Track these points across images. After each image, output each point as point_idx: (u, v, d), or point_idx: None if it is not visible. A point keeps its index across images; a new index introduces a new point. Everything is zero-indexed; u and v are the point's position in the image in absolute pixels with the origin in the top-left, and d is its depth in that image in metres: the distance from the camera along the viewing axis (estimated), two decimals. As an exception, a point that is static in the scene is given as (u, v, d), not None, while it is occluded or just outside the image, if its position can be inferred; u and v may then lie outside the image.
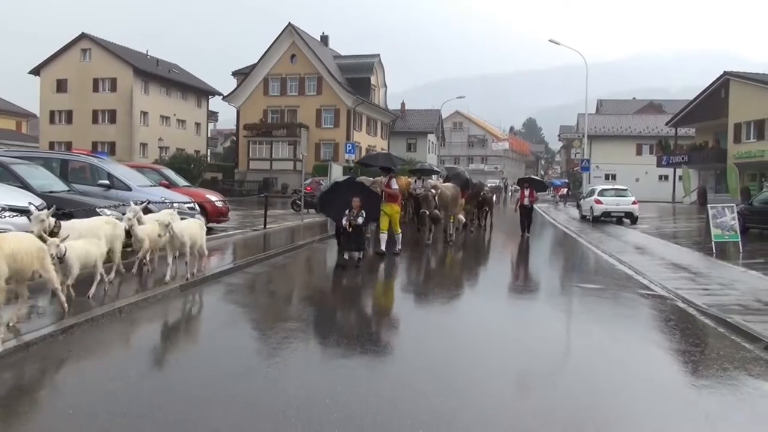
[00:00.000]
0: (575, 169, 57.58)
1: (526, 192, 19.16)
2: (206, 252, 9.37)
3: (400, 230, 13.44)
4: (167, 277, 8.38)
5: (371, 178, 15.82)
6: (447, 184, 16.67)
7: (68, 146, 46.16)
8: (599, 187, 27.67)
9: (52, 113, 52.20)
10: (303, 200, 22.34)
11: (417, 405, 4.57)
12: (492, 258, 15.75)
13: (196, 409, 4.33)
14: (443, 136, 76.35)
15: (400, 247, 13.41)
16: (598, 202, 25.81)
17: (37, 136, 54.53)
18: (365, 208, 11.01)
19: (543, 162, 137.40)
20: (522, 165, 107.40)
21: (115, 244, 8.21)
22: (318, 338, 6.80)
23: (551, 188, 65.29)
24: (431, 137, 68.46)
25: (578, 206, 30.77)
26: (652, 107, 71.98)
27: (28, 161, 12.51)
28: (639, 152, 59.80)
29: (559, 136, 76.74)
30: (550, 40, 36.17)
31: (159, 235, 8.18)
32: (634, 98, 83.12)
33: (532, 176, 21.10)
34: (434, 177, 22.17)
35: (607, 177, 56.30)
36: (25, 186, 10.79)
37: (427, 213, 14.32)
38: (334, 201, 11.50)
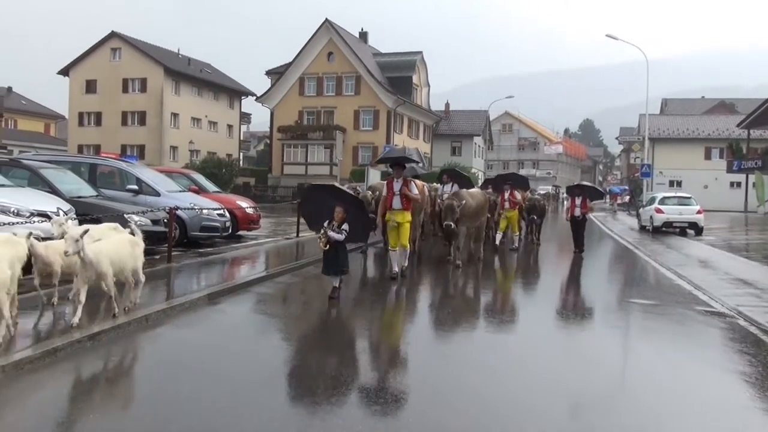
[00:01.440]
0: (636, 175, 56.74)
1: (578, 201, 17.42)
2: (142, 278, 7.53)
3: (408, 245, 11.83)
4: (73, 321, 6.42)
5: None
6: (474, 190, 15.41)
7: (97, 149, 47.73)
8: (660, 195, 27.28)
9: (80, 115, 54.01)
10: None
11: None
12: (535, 275, 14.86)
13: (220, 416, 4.59)
14: (491, 139, 76.11)
15: (406, 264, 11.82)
16: (659, 211, 25.46)
17: (66, 138, 56.53)
18: (350, 223, 8.96)
19: (601, 167, 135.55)
20: (577, 170, 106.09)
21: (15, 267, 6.23)
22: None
23: (608, 196, 64.46)
24: (478, 140, 68.30)
25: (637, 215, 30.41)
26: (723, 107, 70.40)
27: (57, 165, 13.14)
28: (708, 156, 58.45)
29: (617, 139, 75.67)
30: (607, 35, 35.93)
31: (65, 253, 6.30)
32: (702, 97, 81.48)
33: (585, 182, 19.11)
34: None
35: (671, 184, 55.32)
36: (53, 191, 11.37)
37: (451, 225, 12.72)
38: (317, 208, 9.61)
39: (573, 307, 10.65)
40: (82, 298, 6.49)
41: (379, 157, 21.37)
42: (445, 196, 14.50)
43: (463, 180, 17.66)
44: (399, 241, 11.22)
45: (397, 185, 11.21)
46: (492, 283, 13.33)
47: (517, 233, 18.05)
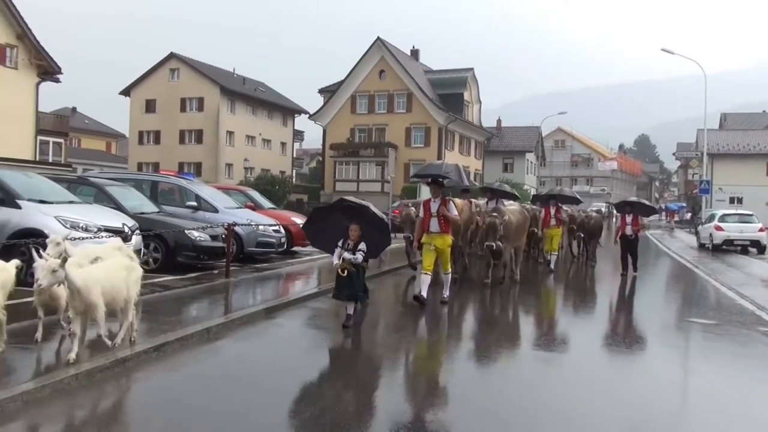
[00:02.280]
0: (694, 191, 55.25)
1: (628, 219, 15.87)
2: (131, 316, 6.36)
3: (450, 270, 10.75)
4: (69, 356, 5.61)
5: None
6: (513, 207, 14.50)
7: (156, 167, 49.13)
8: (720, 212, 26.59)
9: (140, 133, 55.78)
10: (390, 224, 22.78)
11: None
12: (588, 296, 13.89)
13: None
14: (543, 155, 75.34)
15: (448, 293, 10.77)
16: (719, 228, 24.83)
17: (126, 156, 58.41)
18: (366, 239, 8.10)
19: (657, 184, 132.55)
20: (633, 187, 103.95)
21: None
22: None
23: (664, 213, 62.93)
24: (530, 156, 67.75)
25: (696, 233, 29.68)
26: (786, 121, 68.07)
27: (121, 183, 13.66)
28: (770, 172, 56.54)
29: (674, 154, 73.93)
30: (663, 49, 35.27)
31: (38, 286, 5.51)
32: (764, 111, 78.94)
33: (633, 198, 17.71)
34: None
35: (731, 200, 53.66)
36: (118, 207, 11.81)
37: (493, 246, 11.95)
38: (327, 228, 8.46)
39: (628, 327, 10.48)
40: (77, 329, 5.77)
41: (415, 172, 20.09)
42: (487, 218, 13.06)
43: (508, 197, 16.93)
44: (441, 267, 10.44)
45: (434, 206, 10.12)
46: (536, 305, 12.28)
47: (556, 253, 16.69)
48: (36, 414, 4.73)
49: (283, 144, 62.02)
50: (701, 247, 26.84)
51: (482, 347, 8.10)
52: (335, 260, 7.99)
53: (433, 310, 10.14)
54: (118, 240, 7.77)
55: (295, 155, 69.81)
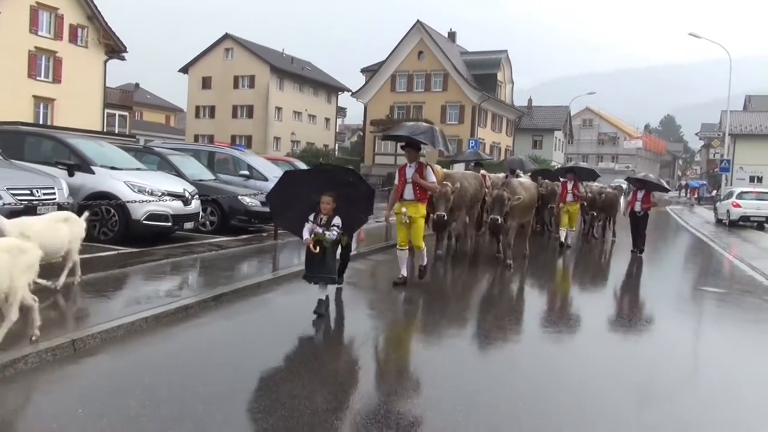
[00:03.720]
0: (715, 170, 53.91)
1: (639, 195, 14.28)
2: (18, 304, 4.59)
3: (422, 245, 8.66)
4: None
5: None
6: (525, 181, 13.09)
7: (210, 139, 49.90)
8: (738, 190, 26.08)
9: (197, 108, 56.60)
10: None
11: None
12: (595, 273, 12.51)
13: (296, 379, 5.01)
14: (571, 133, 74.21)
15: (425, 261, 8.97)
16: (736, 205, 24.38)
17: (183, 129, 59.36)
18: (343, 213, 6.55)
19: (681, 162, 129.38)
20: (657, 165, 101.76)
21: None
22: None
23: (687, 189, 61.64)
24: (558, 134, 66.82)
25: (714, 209, 29.17)
26: (810, 103, 65.66)
27: (182, 153, 14.06)
28: (791, 153, 54.82)
29: (697, 134, 72.02)
30: (690, 34, 34.30)
31: None
32: (788, 94, 76.22)
33: (648, 176, 15.20)
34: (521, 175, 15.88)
35: (752, 179, 52.32)
36: (179, 174, 12.21)
37: (498, 220, 10.26)
38: (294, 201, 6.81)
39: (639, 298, 10.50)
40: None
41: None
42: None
43: (545, 174, 16.13)
44: (413, 242, 8.57)
45: (409, 171, 8.48)
46: (546, 282, 10.91)
47: (575, 229, 15.38)
48: (114, 349, 5.11)
49: (327, 119, 62.27)
50: (719, 222, 26.39)
51: (490, 327, 6.94)
52: (305, 235, 6.44)
53: (435, 286, 9.27)
54: (64, 213, 6.82)
55: (338, 130, 70.00)
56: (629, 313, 8.50)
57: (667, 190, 16.17)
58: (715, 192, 50.89)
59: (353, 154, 64.59)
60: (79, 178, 10.00)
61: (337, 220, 6.47)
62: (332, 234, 6.40)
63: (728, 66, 34.44)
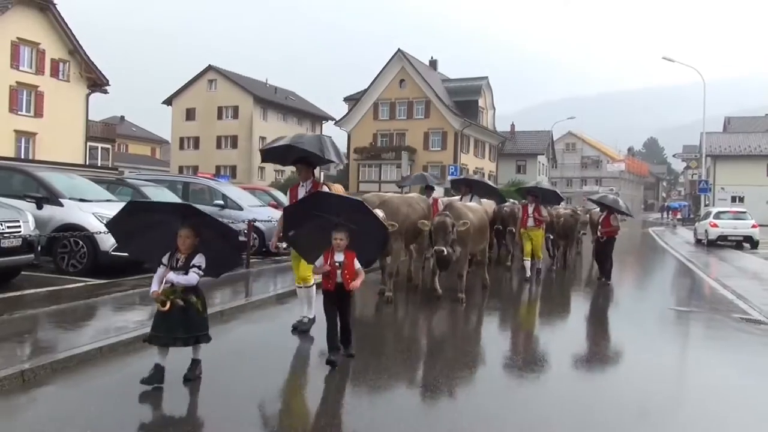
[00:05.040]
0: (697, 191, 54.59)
1: (600, 218, 12.84)
2: None
3: (310, 278, 7.07)
4: None
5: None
6: (473, 205, 11.36)
7: (195, 170, 49.98)
8: (715, 210, 26.43)
9: (181, 139, 56.82)
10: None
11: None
12: (566, 301, 11.27)
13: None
14: (554, 157, 75.02)
15: (308, 315, 7.20)
16: (714, 225, 24.67)
17: (169, 160, 59.45)
18: (207, 249, 5.00)
19: (665, 184, 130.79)
20: (641, 187, 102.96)
21: None
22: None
23: (668, 211, 62.23)
24: (542, 159, 67.56)
25: (694, 230, 29.49)
26: (787, 124, 66.81)
27: (156, 184, 14.12)
28: (770, 173, 55.64)
29: (674, 156, 73.11)
30: (664, 58, 35.05)
31: None
32: (766, 114, 77.51)
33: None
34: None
35: (734, 199, 52.96)
36: (151, 205, 12.23)
37: (443, 251, 8.64)
38: (148, 228, 5.10)
39: (609, 325, 10.56)
40: None
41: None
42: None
43: (490, 193, 14.28)
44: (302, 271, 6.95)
45: (302, 192, 6.92)
46: (505, 317, 9.44)
47: (541, 257, 13.39)
48: (64, 379, 5.10)
49: (312, 148, 62.57)
50: (698, 242, 26.65)
51: (438, 376, 5.67)
52: (153, 286, 4.92)
53: (368, 330, 7.40)
54: None
55: (323, 159, 70.35)
56: (594, 345, 7.75)
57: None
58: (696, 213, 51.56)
59: (339, 182, 64.86)
60: (48, 210, 10.02)
61: (198, 260, 4.89)
62: (189, 278, 4.84)
63: (707, 88, 35.20)
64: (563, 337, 8.27)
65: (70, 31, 34.71)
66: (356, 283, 5.60)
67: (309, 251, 6.03)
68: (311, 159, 6.91)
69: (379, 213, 8.32)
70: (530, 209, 12.86)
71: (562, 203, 15.95)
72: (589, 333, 8.63)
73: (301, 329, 7.08)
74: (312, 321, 7.17)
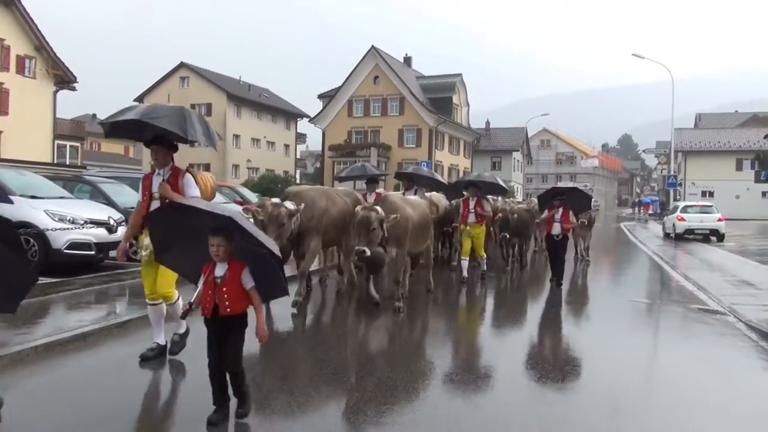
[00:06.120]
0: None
1: (557, 214, 11.12)
2: None
3: (173, 295, 5.61)
4: None
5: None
6: (414, 199, 9.98)
7: (167, 168, 49.39)
8: (682, 204, 26.74)
9: (154, 138, 56.09)
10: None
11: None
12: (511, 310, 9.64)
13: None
14: (530, 154, 75.50)
15: (176, 337, 5.79)
16: (681, 219, 24.93)
17: (141, 159, 58.64)
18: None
19: (639, 179, 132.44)
20: (614, 183, 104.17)
21: None
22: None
23: (640, 206, 62.96)
24: (517, 155, 67.87)
25: (663, 224, 29.81)
26: (756, 120, 67.84)
27: (116, 181, 13.85)
28: (739, 168, 56.35)
29: (644, 151, 74.08)
30: (634, 54, 35.42)
31: None
32: (736, 111, 78.85)
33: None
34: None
35: (704, 194, 53.74)
36: (109, 202, 12.00)
37: (364, 251, 7.43)
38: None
39: (572, 308, 10.57)
40: None
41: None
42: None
43: (436, 187, 13.42)
44: (159, 288, 5.45)
45: (157, 180, 5.54)
46: (449, 327, 8.38)
47: (484, 256, 11.93)
48: None
49: (287, 146, 62.21)
50: (666, 236, 26.93)
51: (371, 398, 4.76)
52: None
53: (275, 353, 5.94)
54: None
55: (299, 156, 70.01)
56: (544, 347, 7.28)
57: (590, 207, 13.53)
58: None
59: (317, 180, 64.58)
60: (-5, 207, 9.74)
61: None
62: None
63: (677, 86, 35.70)
64: (514, 344, 7.33)
65: (36, 27, 33.99)
66: (241, 307, 4.02)
67: (187, 266, 4.30)
68: (171, 139, 5.41)
69: (290, 206, 7.72)
70: (471, 203, 11.47)
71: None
72: (541, 334, 8.53)
73: (145, 357, 5.51)
74: (161, 349, 5.61)
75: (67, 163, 37.24)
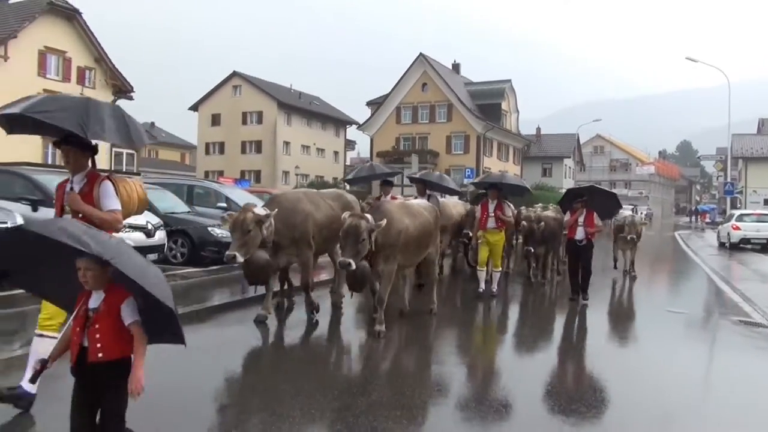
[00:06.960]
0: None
1: (581, 218, 10.05)
2: None
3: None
4: None
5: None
6: (416, 203, 8.72)
7: (220, 174, 50.48)
8: (737, 212, 25.70)
9: (207, 145, 57.52)
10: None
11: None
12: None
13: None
14: (582, 160, 73.97)
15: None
16: (736, 228, 24.00)
17: (195, 166, 60.22)
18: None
19: (698, 187, 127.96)
20: (671, 190, 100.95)
21: None
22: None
23: (697, 214, 60.70)
24: (568, 162, 66.59)
25: (717, 233, 28.74)
26: (823, 125, 64.73)
27: (159, 187, 14.24)
28: (804, 175, 53.92)
29: (698, 157, 71.55)
30: (687, 58, 34.30)
31: None
32: (802, 116, 75.31)
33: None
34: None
35: (766, 202, 51.50)
36: (150, 207, 12.32)
37: (349, 264, 6.42)
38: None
39: (597, 320, 10.26)
40: None
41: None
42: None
43: (449, 192, 12.62)
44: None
45: (74, 188, 4.44)
46: (446, 356, 6.67)
47: (499, 268, 10.69)
48: None
49: (336, 153, 62.85)
50: (721, 246, 25.93)
51: None
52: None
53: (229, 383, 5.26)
54: None
55: (349, 163, 70.50)
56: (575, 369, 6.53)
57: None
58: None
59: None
60: (43, 212, 10.11)
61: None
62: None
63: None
64: (536, 370, 6.24)
65: (96, 39, 35.39)
66: (120, 351, 2.93)
67: (60, 293, 3.28)
68: (81, 140, 4.23)
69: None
70: (491, 207, 10.20)
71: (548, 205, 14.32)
72: (565, 352, 7.80)
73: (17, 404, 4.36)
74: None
75: (124, 169, 38.49)
